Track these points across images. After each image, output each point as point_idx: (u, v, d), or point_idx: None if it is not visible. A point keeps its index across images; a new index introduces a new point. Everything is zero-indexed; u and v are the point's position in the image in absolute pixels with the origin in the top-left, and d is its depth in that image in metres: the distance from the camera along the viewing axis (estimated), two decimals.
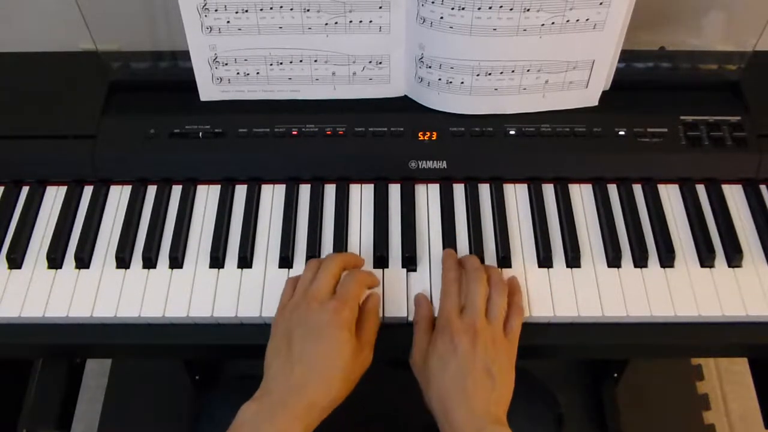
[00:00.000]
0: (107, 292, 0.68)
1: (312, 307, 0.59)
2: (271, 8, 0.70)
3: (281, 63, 0.74)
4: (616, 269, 0.69)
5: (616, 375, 1.25)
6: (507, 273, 0.69)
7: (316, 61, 0.74)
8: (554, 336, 0.67)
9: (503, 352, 0.60)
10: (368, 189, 0.75)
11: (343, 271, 0.64)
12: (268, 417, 0.55)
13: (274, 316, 0.62)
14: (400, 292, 0.67)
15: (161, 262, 0.70)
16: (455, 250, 0.70)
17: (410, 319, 0.66)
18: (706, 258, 0.69)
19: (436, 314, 0.65)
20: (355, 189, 0.75)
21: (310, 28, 0.71)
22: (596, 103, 0.77)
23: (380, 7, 0.70)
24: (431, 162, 0.74)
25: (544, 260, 0.69)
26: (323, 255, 0.70)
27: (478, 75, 0.72)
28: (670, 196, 0.75)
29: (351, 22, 0.71)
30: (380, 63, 0.75)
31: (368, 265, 0.70)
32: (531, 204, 0.74)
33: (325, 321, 0.58)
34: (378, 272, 0.69)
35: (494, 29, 0.68)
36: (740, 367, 1.35)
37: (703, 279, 0.68)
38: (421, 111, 0.77)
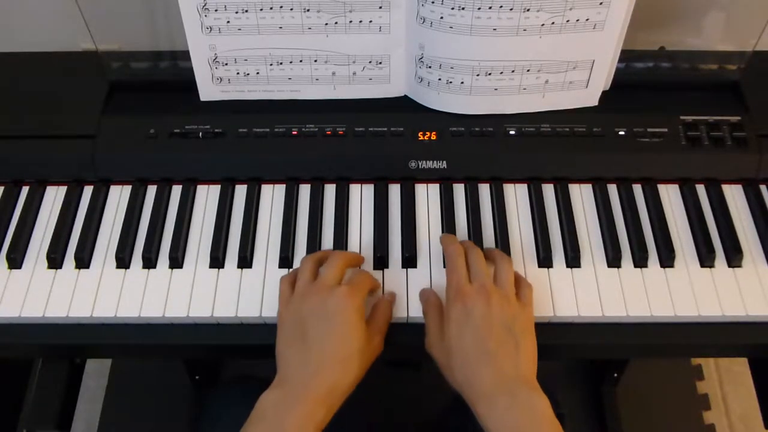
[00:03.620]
0: (107, 292, 0.68)
1: (322, 295, 0.60)
2: (271, 8, 0.70)
3: (281, 63, 0.74)
4: (616, 269, 0.69)
5: (616, 375, 1.25)
6: None
7: (316, 61, 0.74)
8: (554, 336, 0.66)
9: (520, 313, 0.61)
10: (368, 189, 0.75)
11: (347, 268, 0.65)
12: (290, 403, 0.55)
13: (278, 311, 0.63)
14: (400, 293, 0.67)
15: (161, 262, 0.70)
16: None
17: (411, 317, 0.66)
18: (706, 258, 0.69)
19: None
20: (355, 189, 0.75)
21: (310, 28, 0.71)
22: (596, 103, 0.77)
23: (380, 7, 0.70)
24: (431, 162, 0.74)
25: (544, 260, 0.69)
26: None
27: (478, 75, 0.72)
28: (670, 196, 0.75)
29: (351, 22, 0.71)
30: (380, 63, 0.75)
31: (368, 265, 0.70)
32: (531, 204, 0.74)
33: (336, 305, 0.59)
34: (378, 272, 0.69)
35: (494, 29, 0.68)
36: (740, 367, 1.35)
37: (703, 279, 0.68)
38: (421, 111, 0.77)
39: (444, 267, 0.69)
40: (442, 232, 0.72)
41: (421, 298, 0.66)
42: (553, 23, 0.68)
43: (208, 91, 0.77)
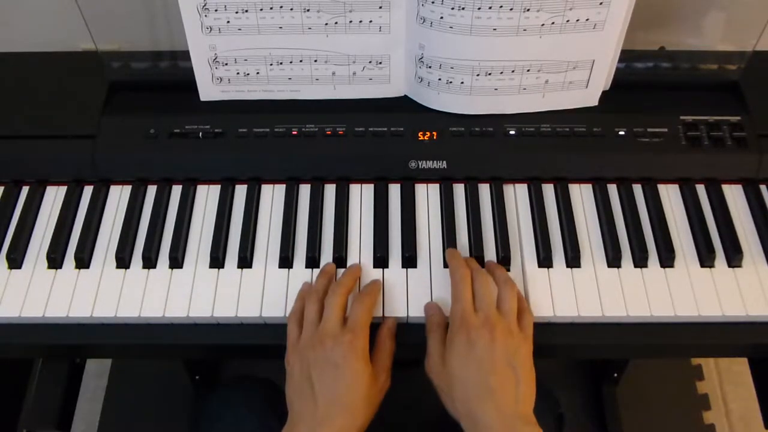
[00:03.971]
0: (107, 292, 0.68)
1: (326, 345, 0.60)
2: (271, 8, 0.70)
3: (281, 63, 0.74)
4: (616, 269, 0.69)
5: (616, 375, 1.25)
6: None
7: (316, 61, 0.74)
8: (554, 336, 0.66)
9: (522, 345, 0.61)
10: (368, 189, 0.75)
11: (348, 296, 0.65)
12: None
13: (286, 355, 0.63)
14: (400, 292, 0.67)
15: (161, 262, 0.70)
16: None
17: (411, 317, 0.66)
18: (706, 258, 0.69)
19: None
20: (355, 189, 0.75)
21: (310, 28, 0.71)
22: (596, 103, 0.77)
23: (380, 7, 0.70)
24: (431, 162, 0.74)
25: (544, 260, 0.69)
26: (323, 255, 0.70)
27: (478, 75, 0.72)
28: (670, 196, 0.75)
29: (351, 22, 0.71)
30: (380, 63, 0.75)
31: (368, 265, 0.70)
32: (531, 204, 0.74)
33: (341, 355, 0.59)
34: (378, 272, 0.69)
35: (494, 29, 0.68)
36: (740, 367, 1.35)
37: (703, 279, 0.68)
38: (421, 111, 0.77)
39: (444, 267, 0.69)
40: (442, 232, 0.72)
41: (425, 313, 0.65)
42: (553, 23, 0.68)
43: (208, 91, 0.77)
